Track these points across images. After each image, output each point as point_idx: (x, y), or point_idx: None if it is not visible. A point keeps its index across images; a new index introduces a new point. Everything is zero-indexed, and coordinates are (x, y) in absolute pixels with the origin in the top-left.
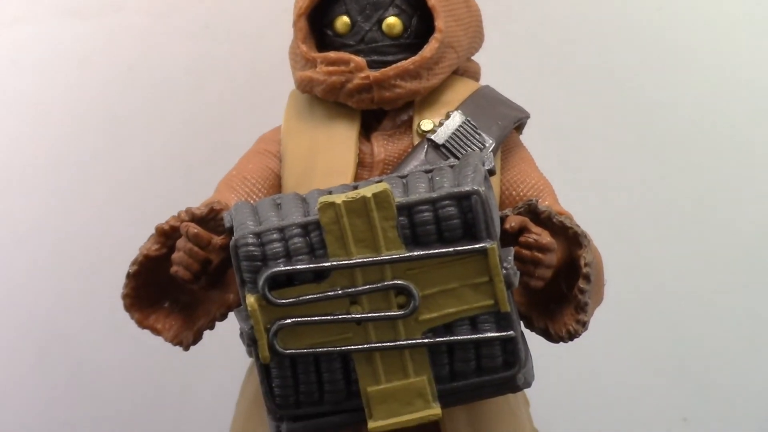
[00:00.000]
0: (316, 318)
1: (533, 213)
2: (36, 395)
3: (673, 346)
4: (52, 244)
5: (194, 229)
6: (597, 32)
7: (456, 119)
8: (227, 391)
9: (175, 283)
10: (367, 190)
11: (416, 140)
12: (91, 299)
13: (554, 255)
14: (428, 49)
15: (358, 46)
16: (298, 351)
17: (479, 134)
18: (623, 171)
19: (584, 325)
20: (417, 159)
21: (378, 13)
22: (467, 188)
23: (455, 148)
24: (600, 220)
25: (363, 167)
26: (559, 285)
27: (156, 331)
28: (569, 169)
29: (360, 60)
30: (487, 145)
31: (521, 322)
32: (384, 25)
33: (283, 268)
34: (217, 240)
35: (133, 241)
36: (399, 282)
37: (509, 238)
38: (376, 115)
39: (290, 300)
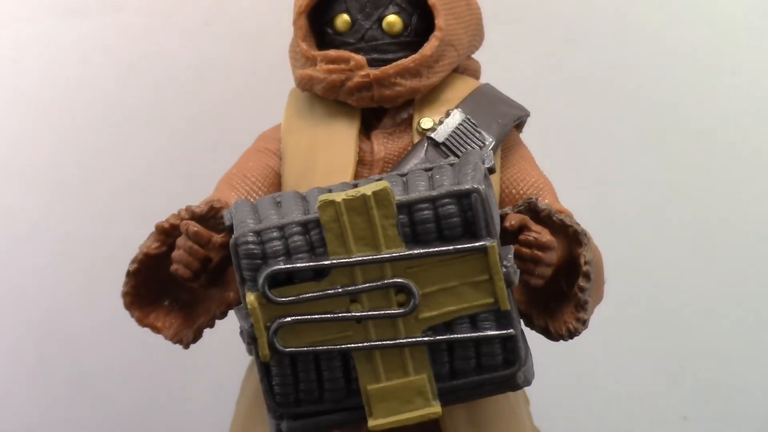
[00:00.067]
0: (316, 316)
1: (533, 211)
2: (36, 394)
3: (673, 345)
4: (52, 242)
5: (194, 227)
6: (597, 30)
7: (456, 117)
8: (227, 389)
9: (175, 281)
10: (367, 188)
11: (416, 138)
12: (91, 297)
13: (554, 253)
14: (428, 47)
15: (359, 44)
16: (298, 349)
17: (479, 132)
18: (623, 169)
19: (584, 323)
20: (417, 157)
21: (378, 12)
22: (467, 186)
23: (455, 146)
24: (600, 219)
25: (363, 165)
26: (559, 283)
27: (156, 330)
28: (569, 167)
29: (360, 58)
30: (487, 143)
31: (521, 321)
32: (384, 23)
33: (283, 267)
34: (217, 238)
35: (133, 239)
36: (399, 280)
37: (509, 236)
38: (376, 113)
39: (290, 298)
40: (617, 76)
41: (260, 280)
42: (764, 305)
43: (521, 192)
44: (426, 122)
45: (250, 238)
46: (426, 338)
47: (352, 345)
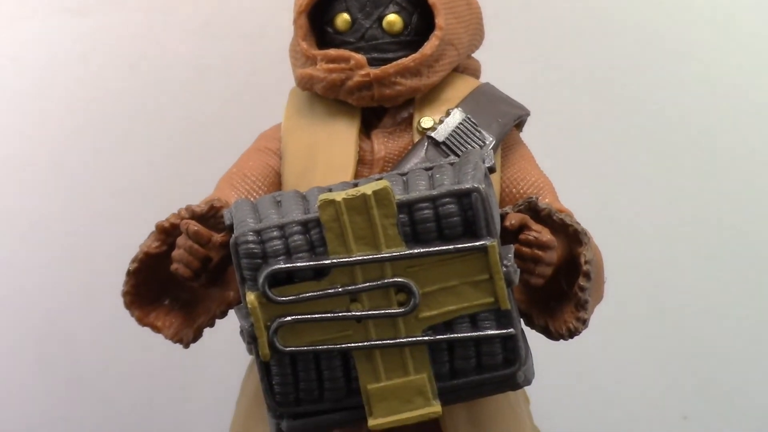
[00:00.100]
0: (317, 315)
1: (533, 210)
2: (36, 394)
3: (673, 344)
4: (51, 241)
5: (194, 226)
6: (597, 29)
7: (456, 117)
8: (227, 388)
9: (176, 280)
10: (368, 188)
11: (416, 138)
12: (92, 297)
13: (554, 252)
14: (428, 47)
15: (359, 43)
16: (298, 348)
17: (479, 132)
18: (624, 168)
19: (584, 322)
20: (417, 156)
21: (378, 11)
22: (467, 186)
23: (455, 145)
24: (600, 218)
25: (363, 165)
26: (559, 282)
27: (156, 329)
28: (569, 166)
29: (360, 57)
30: (487, 142)
31: (521, 320)
32: (384, 23)
33: (283, 266)
34: (217, 237)
35: (133, 238)
36: (399, 279)
37: (509, 235)
38: (377, 112)
39: (290, 297)
40: (617, 75)
41: (260, 280)
42: (764, 305)
43: (521, 191)
44: (426, 121)
45: (251, 238)
46: (426, 337)
47: (352, 344)
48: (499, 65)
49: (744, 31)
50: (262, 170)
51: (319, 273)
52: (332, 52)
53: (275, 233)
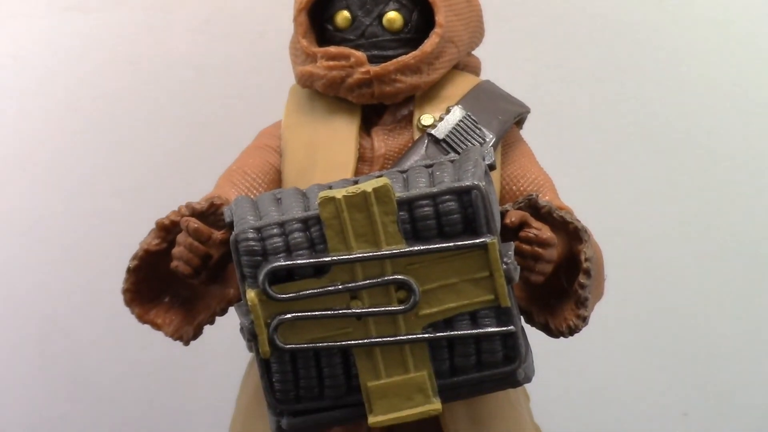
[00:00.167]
0: (317, 313)
1: (533, 208)
2: (37, 393)
3: (673, 341)
4: (51, 239)
5: (194, 224)
6: (597, 27)
7: (456, 114)
8: (227, 386)
9: (176, 277)
10: (368, 185)
11: (416, 135)
12: (92, 295)
13: (554, 250)
14: (429, 44)
15: (359, 40)
16: (298, 346)
17: (479, 129)
18: (624, 166)
19: (584, 320)
20: (417, 154)
21: (378, 8)
22: (467, 183)
23: (455, 142)
24: (600, 215)
25: (363, 162)
26: (559, 280)
27: (156, 326)
28: (569, 163)
29: (360, 55)
30: (487, 139)
31: (521, 317)
32: (384, 20)
33: (283, 263)
34: (218, 235)
35: (134, 236)
36: (399, 277)
37: (509, 233)
38: (377, 109)
39: (290, 295)
40: (618, 73)
41: (260, 277)
42: (765, 302)
43: (522, 189)
44: (426, 119)
45: (251, 235)
46: (426, 335)
47: (353, 342)
48: (499, 62)
49: (744, 31)
50: (262, 167)
51: (320, 270)
52: (332, 49)
53: (275, 230)
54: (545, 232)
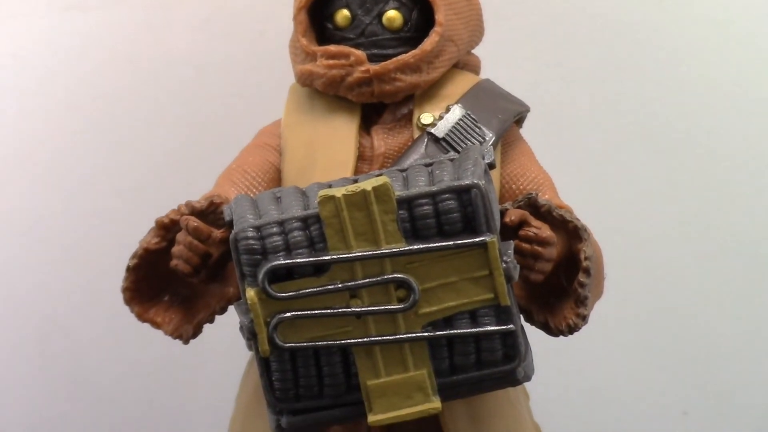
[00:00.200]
0: (316, 311)
1: (533, 206)
2: (37, 393)
3: (673, 340)
4: (51, 239)
5: (194, 222)
6: (597, 25)
7: (456, 113)
8: (227, 385)
9: (175, 276)
10: (367, 184)
11: (416, 134)
12: (91, 294)
13: (554, 249)
14: (428, 43)
15: (359, 39)
16: (297, 344)
17: (479, 128)
18: (623, 164)
19: (584, 318)
20: (417, 152)
21: (378, 7)
22: (467, 182)
23: (455, 141)
24: (600, 214)
25: (363, 161)
26: (559, 279)
27: (156, 325)
28: (569, 162)
29: (360, 53)
30: (487, 138)
31: (521, 316)
32: (384, 19)
33: (282, 262)
34: (217, 233)
35: (133, 235)
36: (399, 275)
37: (509, 231)
38: (377, 108)
39: (290, 293)
40: (618, 72)
41: (260, 276)
42: (764, 300)
43: (521, 187)
44: (426, 117)
45: (250, 234)
46: (426, 333)
47: (352, 340)
48: (499, 61)
49: (744, 31)
50: (261, 166)
51: (319, 269)
52: (332, 48)
53: (275, 229)
54: (545, 230)
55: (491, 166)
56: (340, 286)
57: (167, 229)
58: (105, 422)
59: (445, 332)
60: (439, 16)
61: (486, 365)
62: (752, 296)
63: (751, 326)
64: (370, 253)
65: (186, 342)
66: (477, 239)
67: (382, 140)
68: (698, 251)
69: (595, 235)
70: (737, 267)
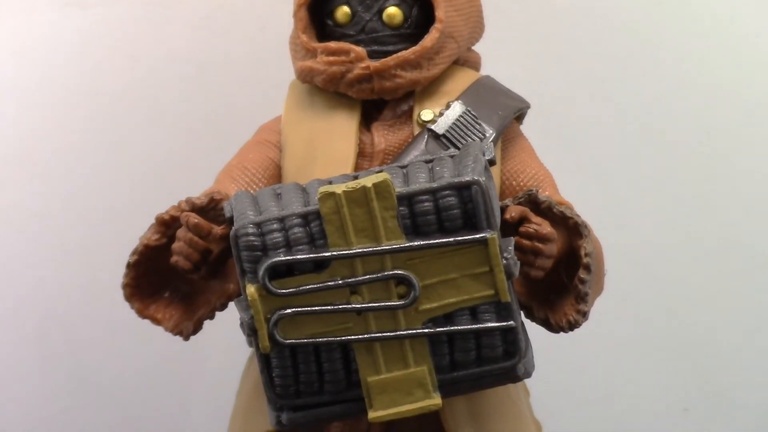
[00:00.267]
0: (317, 308)
1: (533, 203)
2: (37, 392)
3: (673, 337)
4: (51, 237)
5: (194, 219)
6: (597, 22)
7: (456, 109)
8: (227, 381)
9: (176, 272)
10: (368, 180)
11: (416, 130)
12: (91, 291)
13: (554, 245)
14: (429, 39)
15: (359, 36)
16: (298, 341)
17: (479, 124)
18: (624, 161)
19: (584, 315)
20: (417, 149)
21: (378, 3)
22: (467, 178)
23: (455, 138)
24: (600, 211)
25: (363, 157)
26: (559, 275)
27: (156, 321)
28: (569, 159)
29: (360, 50)
30: (487, 135)
31: (521, 312)
32: (384, 15)
33: (283, 258)
34: (218, 230)
35: (134, 232)
36: (399, 272)
37: (509, 228)
38: (377, 105)
39: (290, 290)
40: (618, 70)
41: (260, 272)
42: (765, 296)
43: (521, 184)
44: (426, 114)
45: (251, 230)
46: (426, 330)
47: (353, 337)
48: (499, 58)
49: (744, 31)
50: (262, 163)
51: (319, 265)
52: (332, 44)
53: (275, 225)
54: (545, 227)
55: (491, 162)
56: (340, 282)
57: (167, 225)
58: (105, 420)
59: (445, 329)
60: (440, 13)
61: (486, 362)
62: (753, 293)
63: (752, 323)
64: (371, 249)
65: (186, 338)
66: (477, 236)
67: (382, 137)
68: (698, 247)
69: (595, 232)
70: (738, 263)
